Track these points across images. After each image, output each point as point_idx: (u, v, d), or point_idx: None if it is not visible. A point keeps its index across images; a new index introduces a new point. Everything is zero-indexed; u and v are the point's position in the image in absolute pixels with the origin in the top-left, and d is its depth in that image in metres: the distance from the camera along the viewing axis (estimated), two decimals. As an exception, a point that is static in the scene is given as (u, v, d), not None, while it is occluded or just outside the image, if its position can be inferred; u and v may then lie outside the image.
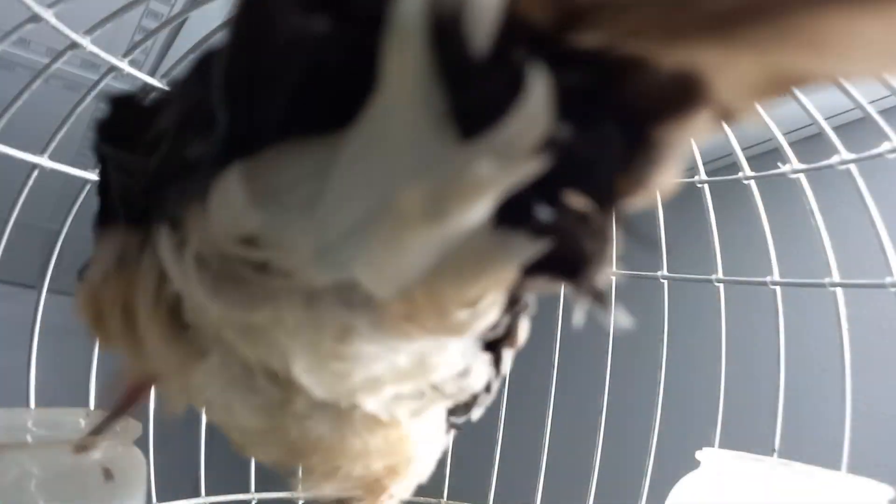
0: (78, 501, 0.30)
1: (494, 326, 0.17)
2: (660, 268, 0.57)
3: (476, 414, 0.24)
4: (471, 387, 0.20)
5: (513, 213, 0.13)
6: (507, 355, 0.21)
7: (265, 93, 0.13)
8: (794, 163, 0.49)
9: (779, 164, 0.49)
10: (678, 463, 0.45)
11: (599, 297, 0.15)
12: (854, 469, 0.45)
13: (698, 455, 0.42)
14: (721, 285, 0.54)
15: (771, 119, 0.49)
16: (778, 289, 0.51)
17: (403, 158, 0.12)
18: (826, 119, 0.47)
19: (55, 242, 0.46)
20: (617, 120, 0.12)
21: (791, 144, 0.50)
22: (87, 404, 0.46)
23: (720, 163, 0.84)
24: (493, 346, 0.20)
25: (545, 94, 0.11)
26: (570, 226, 0.13)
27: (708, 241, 0.54)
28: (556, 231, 0.13)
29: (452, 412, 0.23)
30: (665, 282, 0.57)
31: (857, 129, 0.63)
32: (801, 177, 0.49)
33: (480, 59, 0.11)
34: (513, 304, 0.17)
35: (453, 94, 0.11)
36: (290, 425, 0.19)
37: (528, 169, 0.12)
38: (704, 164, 0.55)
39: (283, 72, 0.12)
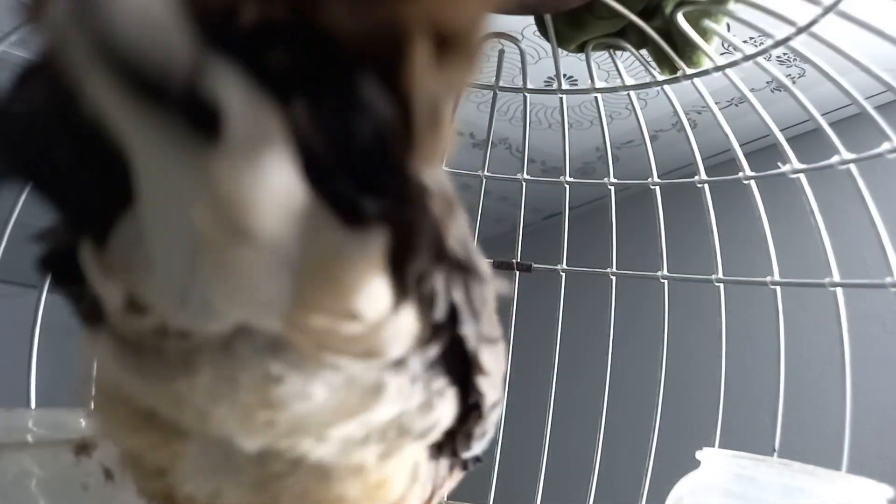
0: (78, 501, 0.30)
1: (426, 341, 0.17)
2: (660, 268, 0.57)
3: (478, 447, 0.23)
4: (439, 422, 0.19)
5: (339, 209, 0.13)
6: (485, 385, 0.20)
7: (54, 182, 0.13)
8: (795, 163, 0.49)
9: (778, 164, 0.49)
10: (678, 463, 0.45)
11: (461, 265, 0.16)
12: (855, 467, 0.45)
13: (698, 455, 0.42)
14: (721, 285, 0.54)
15: (768, 115, 0.49)
16: (778, 289, 0.51)
17: (178, 188, 0.12)
18: (823, 115, 0.47)
19: None
20: (355, 83, 0.11)
21: (788, 140, 0.50)
22: (86, 404, 0.46)
23: (717, 159, 0.84)
24: (464, 377, 0.19)
25: (241, 91, 0.11)
26: (389, 204, 0.13)
27: (708, 241, 0.54)
28: (380, 212, 0.13)
29: (455, 449, 0.22)
30: (665, 282, 0.57)
31: (853, 124, 0.63)
32: (801, 176, 0.49)
33: (171, 74, 0.10)
34: (428, 310, 0.16)
35: (174, 115, 0.11)
36: (279, 490, 0.18)
37: (282, 156, 0.12)
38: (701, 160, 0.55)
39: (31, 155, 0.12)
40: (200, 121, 0.11)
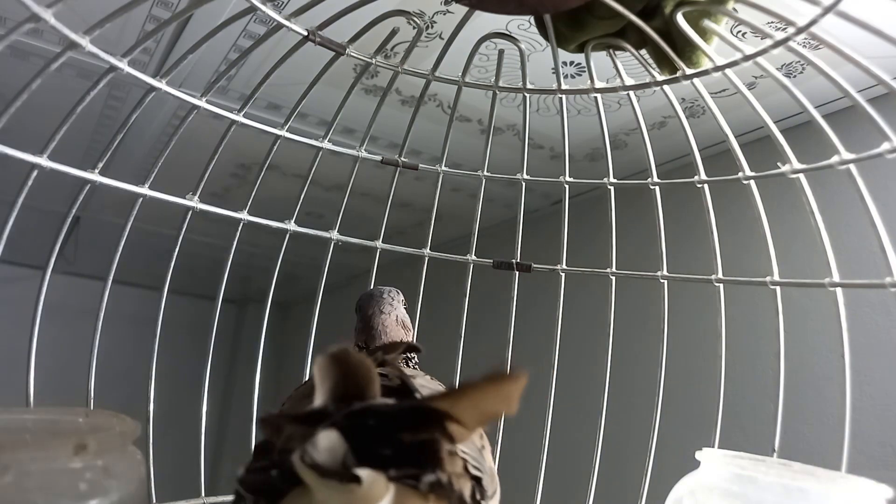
0: (78, 501, 0.30)
1: None
2: (660, 268, 0.57)
3: None
4: None
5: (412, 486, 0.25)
6: None
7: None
8: (794, 163, 0.49)
9: (778, 164, 0.49)
10: (678, 463, 0.45)
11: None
12: (856, 454, 0.46)
13: (698, 455, 0.42)
14: (721, 285, 0.54)
15: (768, 105, 0.49)
16: (778, 289, 0.51)
17: (337, 499, 0.24)
18: (820, 106, 0.46)
19: (72, 227, 0.46)
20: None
21: (785, 131, 0.50)
22: (87, 404, 0.46)
23: (718, 148, 0.84)
24: None
25: (368, 470, 0.24)
26: (436, 482, 0.25)
27: (708, 241, 0.54)
28: (431, 485, 0.25)
29: None
30: (665, 282, 0.57)
31: (849, 116, 0.63)
32: (801, 176, 0.49)
33: (337, 469, 0.24)
34: None
35: (330, 477, 0.24)
36: None
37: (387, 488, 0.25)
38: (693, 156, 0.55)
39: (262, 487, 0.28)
40: (351, 480, 0.23)
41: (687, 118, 0.54)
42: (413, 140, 0.60)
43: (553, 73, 0.55)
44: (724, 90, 0.91)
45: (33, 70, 0.40)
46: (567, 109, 0.59)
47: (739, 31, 0.77)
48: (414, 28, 0.53)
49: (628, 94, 0.55)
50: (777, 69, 0.47)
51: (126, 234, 0.49)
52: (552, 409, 0.57)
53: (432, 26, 0.86)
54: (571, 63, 0.91)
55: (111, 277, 0.48)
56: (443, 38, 0.89)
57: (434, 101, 1.09)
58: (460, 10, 0.48)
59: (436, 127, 1.08)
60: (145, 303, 1.24)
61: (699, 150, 0.54)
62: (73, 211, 0.45)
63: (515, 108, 1.07)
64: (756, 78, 0.90)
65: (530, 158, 0.61)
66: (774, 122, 0.49)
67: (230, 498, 0.53)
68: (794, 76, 0.88)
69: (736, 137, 0.52)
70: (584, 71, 0.55)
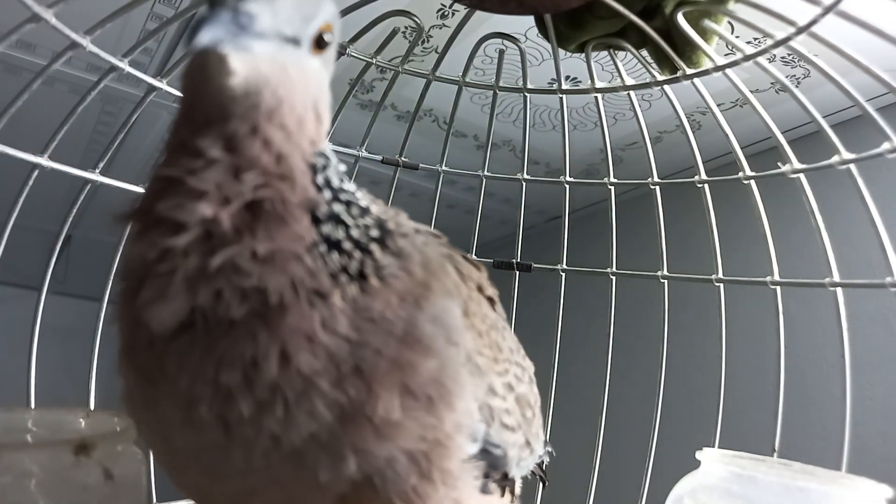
0: (78, 501, 0.30)
1: None
2: (660, 268, 0.57)
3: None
4: None
5: None
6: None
7: None
8: (794, 163, 0.49)
9: (778, 164, 0.49)
10: (678, 463, 0.45)
11: None
12: (857, 469, 0.45)
13: (698, 455, 0.42)
14: (721, 285, 0.54)
15: (770, 118, 0.49)
16: (778, 289, 0.51)
17: None
18: (826, 116, 0.46)
19: (63, 246, 0.46)
20: None
21: (792, 142, 0.50)
22: (87, 404, 0.46)
23: (721, 160, 0.84)
24: None
25: None
26: None
27: (708, 241, 0.54)
28: None
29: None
30: (665, 282, 0.57)
31: (855, 126, 0.63)
32: (801, 176, 0.49)
33: None
34: None
35: None
36: None
37: None
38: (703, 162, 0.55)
39: None
40: None
41: (685, 131, 0.54)
42: (410, 153, 0.61)
43: (549, 85, 0.55)
44: (722, 104, 0.91)
45: (25, 84, 0.40)
46: (561, 123, 0.59)
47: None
48: (414, 30, 0.52)
49: (629, 97, 0.55)
50: (773, 83, 0.47)
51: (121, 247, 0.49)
52: (552, 409, 0.57)
53: (428, 41, 0.86)
54: (569, 78, 0.91)
55: (111, 278, 0.48)
56: (437, 53, 0.89)
57: (430, 117, 1.09)
58: (459, 15, 0.48)
59: (432, 143, 1.08)
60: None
61: (702, 161, 0.54)
62: (67, 226, 0.45)
63: (511, 123, 1.07)
64: (757, 91, 0.90)
65: (527, 173, 0.62)
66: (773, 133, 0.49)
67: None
68: (799, 85, 0.88)
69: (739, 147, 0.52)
70: (581, 83, 0.55)
